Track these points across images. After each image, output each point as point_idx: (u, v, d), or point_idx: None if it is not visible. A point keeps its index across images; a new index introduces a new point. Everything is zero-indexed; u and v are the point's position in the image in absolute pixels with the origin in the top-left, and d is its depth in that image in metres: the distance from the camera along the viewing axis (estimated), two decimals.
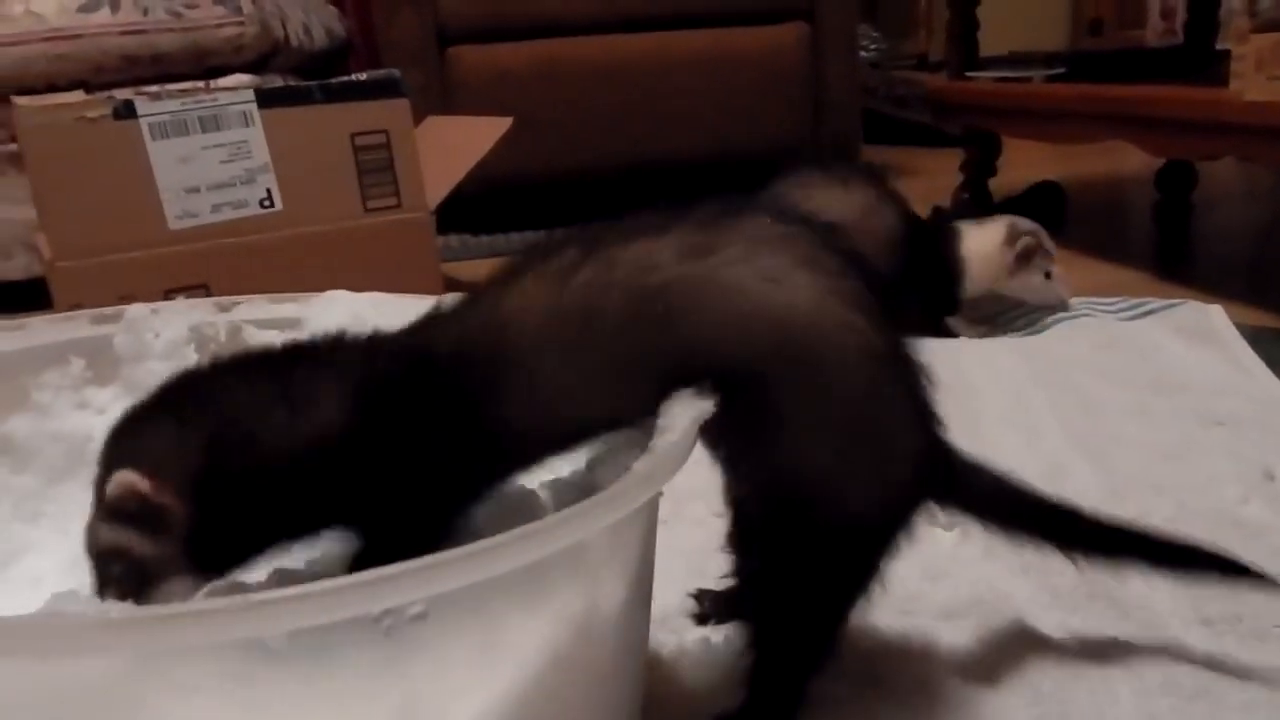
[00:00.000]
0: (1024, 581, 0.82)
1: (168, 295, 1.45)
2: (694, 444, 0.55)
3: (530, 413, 0.59)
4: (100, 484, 0.54)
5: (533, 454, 0.62)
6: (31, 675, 0.40)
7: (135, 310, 0.77)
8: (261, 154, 1.48)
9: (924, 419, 0.62)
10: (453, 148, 1.74)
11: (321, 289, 1.53)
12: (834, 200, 1.46)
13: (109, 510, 0.52)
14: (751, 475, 0.62)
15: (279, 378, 0.58)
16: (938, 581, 0.83)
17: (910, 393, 0.61)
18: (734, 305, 0.57)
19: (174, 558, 0.53)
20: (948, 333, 1.58)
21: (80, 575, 0.64)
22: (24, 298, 1.85)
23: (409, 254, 1.65)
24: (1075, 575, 0.79)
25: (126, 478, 0.52)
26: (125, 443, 0.55)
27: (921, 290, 1.55)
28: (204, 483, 0.53)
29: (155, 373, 0.76)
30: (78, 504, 0.70)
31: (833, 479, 0.59)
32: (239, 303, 0.82)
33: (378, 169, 1.59)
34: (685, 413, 0.56)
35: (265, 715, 0.43)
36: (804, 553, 0.61)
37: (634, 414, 0.59)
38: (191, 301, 0.80)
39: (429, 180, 1.64)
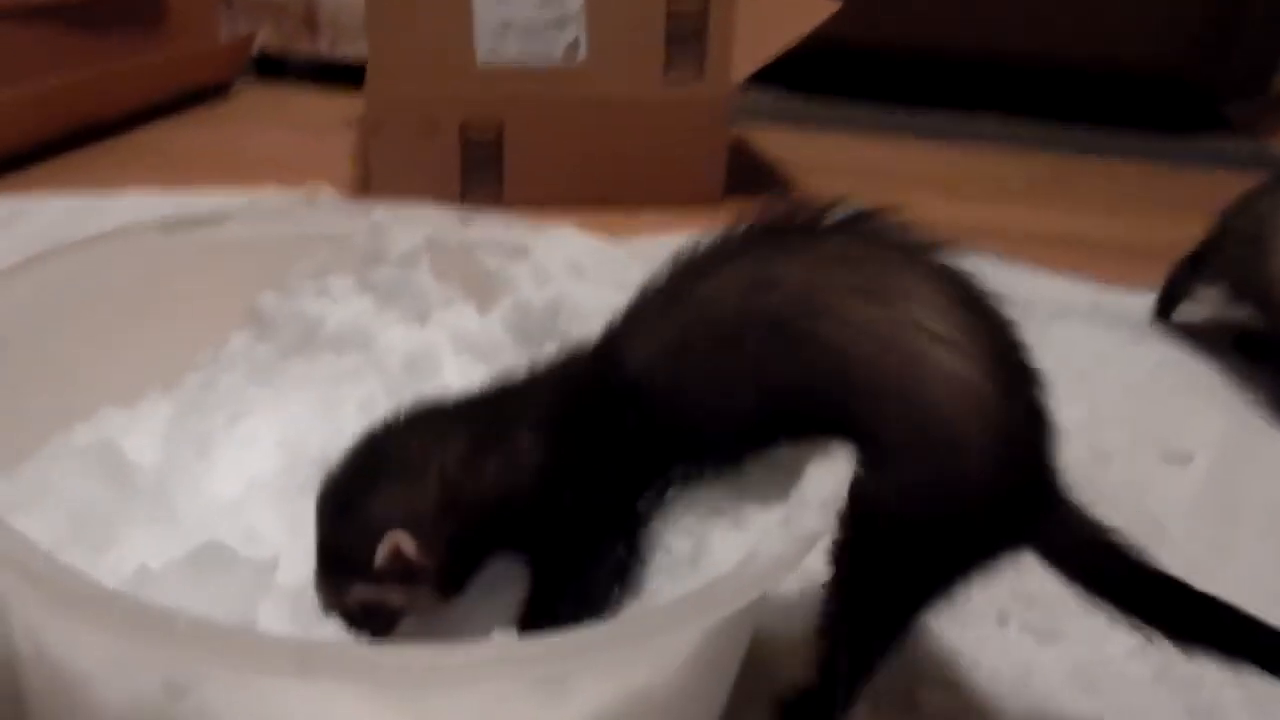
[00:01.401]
0: None
1: (464, 130, 1.55)
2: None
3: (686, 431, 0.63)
4: (332, 548, 0.59)
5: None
6: None
7: (380, 215, 0.84)
8: (576, 1, 1.51)
9: (1024, 465, 0.62)
10: (770, 21, 1.68)
11: (603, 157, 1.58)
12: None
13: (380, 574, 0.57)
14: None
15: (487, 425, 0.62)
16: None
17: (1015, 437, 0.61)
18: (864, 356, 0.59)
19: (421, 598, 0.60)
20: None
21: (284, 453, 0.75)
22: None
23: (699, 133, 1.65)
24: None
25: (395, 541, 0.56)
26: (357, 510, 0.59)
27: None
28: (444, 534, 0.59)
29: (387, 277, 0.84)
30: (300, 378, 0.81)
31: (907, 506, 0.60)
32: (474, 221, 0.87)
33: (687, 38, 1.58)
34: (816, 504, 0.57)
35: None
36: (867, 565, 0.63)
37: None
38: (432, 211, 0.86)
39: (735, 55, 1.61)
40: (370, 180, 1.59)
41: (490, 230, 0.87)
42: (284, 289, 0.82)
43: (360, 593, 0.57)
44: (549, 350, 0.82)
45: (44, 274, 0.70)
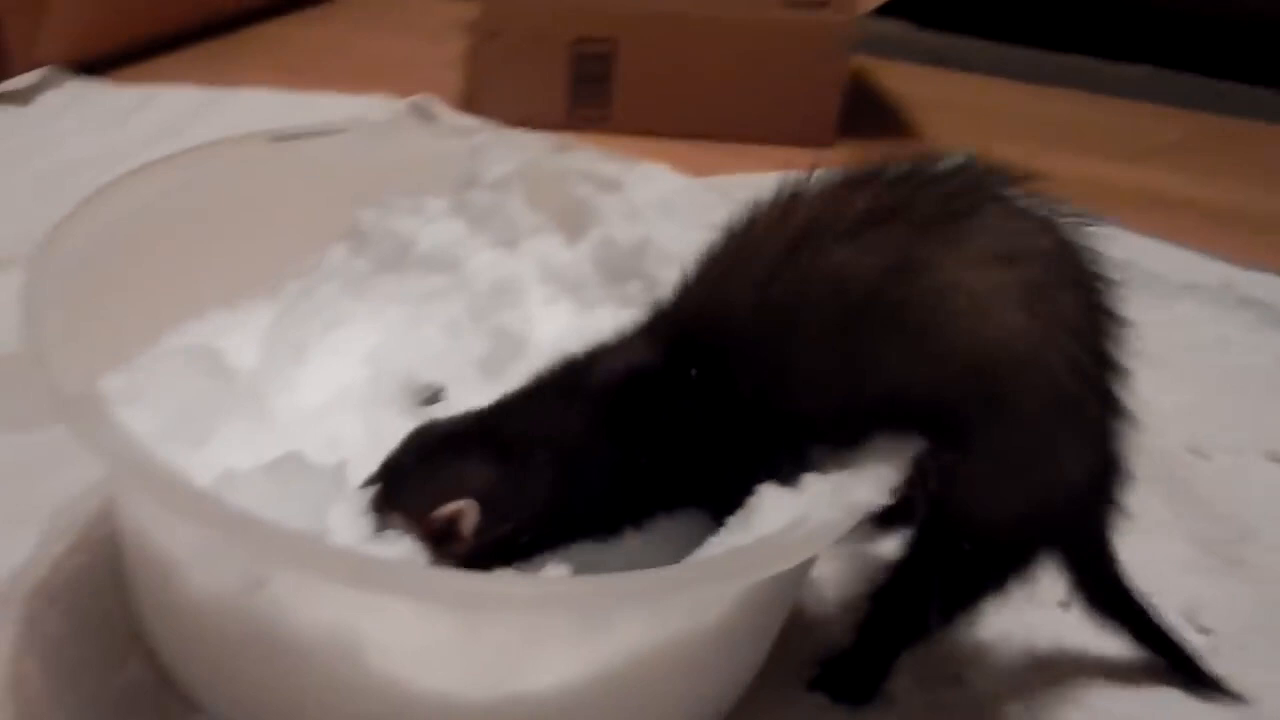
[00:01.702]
0: None
1: (576, 47, 1.55)
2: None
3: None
4: (406, 476, 0.61)
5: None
6: None
7: (481, 138, 0.86)
8: None
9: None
10: None
11: (714, 86, 1.56)
12: None
13: (428, 522, 0.58)
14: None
15: (552, 404, 0.64)
16: None
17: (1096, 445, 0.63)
18: (946, 336, 0.58)
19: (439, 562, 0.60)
20: None
21: (370, 366, 0.79)
22: None
23: (817, 64, 1.61)
24: None
25: (458, 509, 0.58)
26: (449, 464, 0.61)
27: None
28: (500, 528, 0.60)
29: (481, 201, 0.86)
30: (391, 294, 0.84)
31: (986, 503, 0.62)
32: (572, 150, 0.88)
33: None
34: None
35: None
36: (933, 553, 0.65)
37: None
38: (531, 137, 0.88)
39: None
40: (478, 91, 1.61)
41: (586, 161, 0.88)
42: (382, 206, 0.85)
43: (394, 522, 0.59)
44: (633, 289, 0.84)
45: (162, 179, 0.74)
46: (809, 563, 0.63)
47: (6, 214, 1.17)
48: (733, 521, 0.59)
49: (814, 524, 0.55)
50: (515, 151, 0.87)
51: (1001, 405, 0.59)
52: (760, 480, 0.59)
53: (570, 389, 0.65)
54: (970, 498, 0.62)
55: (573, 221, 0.87)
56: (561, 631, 0.54)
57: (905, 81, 2.01)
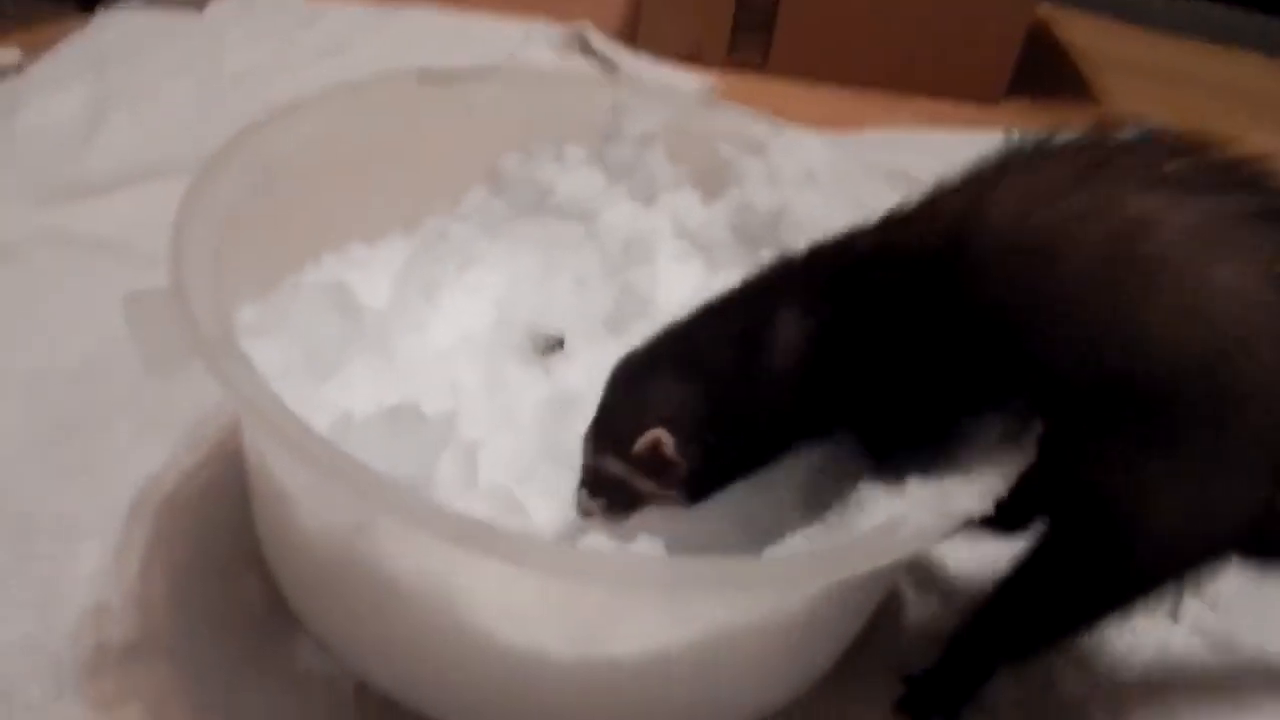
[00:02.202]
0: None
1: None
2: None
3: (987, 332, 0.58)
4: (607, 417, 0.62)
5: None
6: None
7: (621, 95, 0.85)
8: None
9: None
10: None
11: (879, 33, 1.50)
12: None
13: (634, 458, 0.60)
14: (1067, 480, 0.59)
15: (751, 319, 0.62)
16: None
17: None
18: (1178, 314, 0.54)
19: (664, 495, 0.62)
20: None
21: (497, 312, 0.80)
22: None
23: (994, 14, 1.53)
24: None
25: (654, 436, 0.59)
26: (638, 394, 0.62)
27: None
28: (704, 435, 0.60)
29: (621, 154, 0.86)
30: (525, 239, 0.85)
31: (1157, 516, 0.57)
32: (718, 108, 0.87)
33: None
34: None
35: None
36: (1074, 564, 0.60)
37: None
38: (679, 93, 0.86)
39: None
40: (640, 25, 1.59)
41: (733, 121, 0.87)
42: (524, 152, 0.85)
43: (612, 466, 0.60)
44: (765, 256, 0.83)
45: (310, 116, 0.76)
46: (899, 564, 0.61)
47: (168, 120, 1.23)
48: (831, 517, 0.58)
49: (910, 528, 0.53)
50: (661, 107, 0.86)
51: (1224, 403, 0.54)
52: (953, 422, 0.59)
53: (781, 290, 0.63)
54: (1131, 503, 0.57)
55: (712, 180, 0.86)
56: (647, 605, 0.55)
57: (1087, 35, 1.90)
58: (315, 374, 0.67)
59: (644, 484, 0.61)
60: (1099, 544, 0.59)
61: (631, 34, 1.59)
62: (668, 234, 0.85)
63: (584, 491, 0.63)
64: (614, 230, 0.84)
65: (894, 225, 0.63)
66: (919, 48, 1.54)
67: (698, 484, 0.61)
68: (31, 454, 0.77)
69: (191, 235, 0.62)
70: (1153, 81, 1.76)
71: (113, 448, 0.77)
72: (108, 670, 0.63)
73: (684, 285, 0.83)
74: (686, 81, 1.49)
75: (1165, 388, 0.54)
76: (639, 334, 0.74)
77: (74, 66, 1.32)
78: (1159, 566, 0.61)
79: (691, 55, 1.55)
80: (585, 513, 0.63)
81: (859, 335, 0.60)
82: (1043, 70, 1.70)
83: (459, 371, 0.75)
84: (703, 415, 0.60)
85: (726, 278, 0.82)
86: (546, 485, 0.68)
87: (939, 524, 0.54)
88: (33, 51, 1.33)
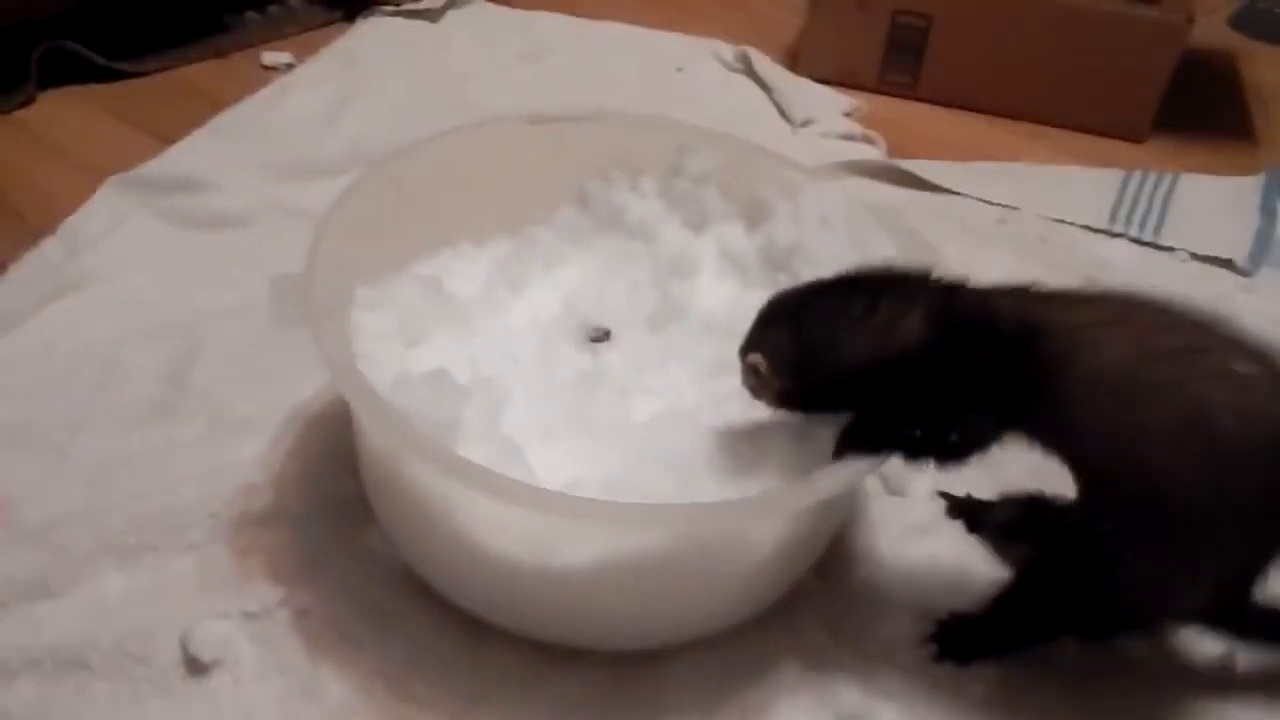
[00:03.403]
0: None
1: (895, 13, 1.64)
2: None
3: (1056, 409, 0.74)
4: (747, 335, 0.84)
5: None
6: None
7: (686, 138, 1.05)
8: None
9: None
10: None
11: (1025, 67, 1.58)
12: None
13: (748, 374, 0.82)
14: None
15: (873, 298, 0.79)
16: None
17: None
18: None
19: (776, 403, 0.83)
20: None
21: (562, 307, 1.03)
22: None
23: (1141, 59, 1.57)
24: None
25: (756, 359, 0.82)
26: (761, 332, 0.83)
27: None
28: (795, 371, 0.80)
29: (682, 188, 1.06)
30: (597, 250, 1.07)
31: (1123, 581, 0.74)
32: (765, 155, 1.05)
33: None
34: None
35: None
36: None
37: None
38: (729, 143, 1.05)
39: None
40: (804, 46, 1.75)
41: (774, 166, 1.05)
42: (606, 180, 1.07)
43: (743, 367, 0.83)
44: (782, 279, 1.01)
45: (438, 145, 1.01)
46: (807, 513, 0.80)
47: (393, 115, 1.52)
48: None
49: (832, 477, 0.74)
50: (718, 152, 1.05)
51: (1216, 507, 0.69)
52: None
53: (906, 295, 0.78)
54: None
55: (754, 214, 1.05)
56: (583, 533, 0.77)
57: (1256, 64, 1.87)
58: (406, 341, 0.93)
59: (753, 388, 0.83)
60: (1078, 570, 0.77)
61: (795, 58, 1.76)
62: (712, 255, 1.05)
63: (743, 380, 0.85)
64: (667, 248, 1.05)
65: (1026, 297, 0.78)
66: (1063, 81, 1.62)
67: (784, 402, 0.82)
68: (236, 364, 1.07)
69: (329, 230, 0.88)
70: None
71: (288, 372, 1.05)
72: (246, 530, 0.91)
73: (716, 297, 1.03)
74: (835, 102, 1.66)
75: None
76: (673, 332, 0.97)
77: (330, 67, 1.64)
78: (1130, 608, 0.77)
79: (845, 79, 1.70)
80: (748, 388, 0.85)
81: (942, 360, 0.76)
82: (1203, 106, 1.72)
83: (521, 348, 0.98)
84: (797, 358, 0.80)
85: (757, 295, 1.03)
86: (562, 443, 0.90)
87: (848, 473, 0.74)
88: (302, 55, 1.67)
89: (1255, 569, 0.75)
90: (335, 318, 0.84)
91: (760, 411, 0.86)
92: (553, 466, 0.84)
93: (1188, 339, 0.73)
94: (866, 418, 0.79)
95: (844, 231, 0.98)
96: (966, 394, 0.75)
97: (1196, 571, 0.73)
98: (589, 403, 0.93)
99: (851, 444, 0.77)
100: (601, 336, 1.02)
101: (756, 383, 0.82)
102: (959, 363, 0.75)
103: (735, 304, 1.02)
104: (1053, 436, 0.76)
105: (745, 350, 0.83)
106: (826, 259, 0.96)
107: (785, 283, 1.00)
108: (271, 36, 1.70)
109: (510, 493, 0.71)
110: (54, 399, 1.02)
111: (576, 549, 0.77)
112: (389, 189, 0.96)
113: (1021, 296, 0.78)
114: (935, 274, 0.80)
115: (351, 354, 0.82)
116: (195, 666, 0.82)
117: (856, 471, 0.75)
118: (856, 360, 0.78)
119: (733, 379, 0.88)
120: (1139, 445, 0.70)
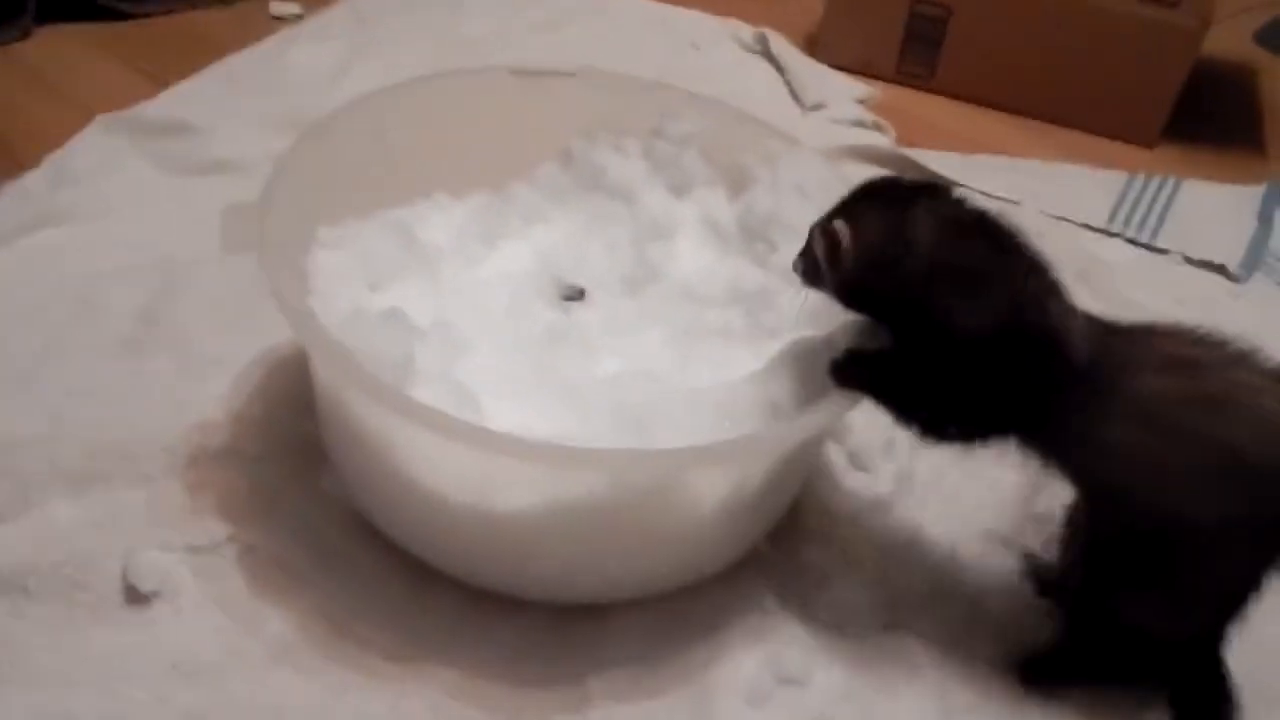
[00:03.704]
0: None
1: (914, 5, 1.62)
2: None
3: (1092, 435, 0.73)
4: (834, 208, 0.80)
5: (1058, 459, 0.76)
6: None
7: (670, 101, 1.03)
8: None
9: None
10: None
11: (1041, 66, 1.55)
12: None
13: (827, 232, 0.78)
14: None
15: (967, 234, 0.76)
16: None
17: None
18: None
19: (832, 282, 0.79)
20: None
21: (536, 261, 1.02)
22: None
23: (1156, 63, 1.55)
24: None
25: (841, 227, 0.77)
26: (850, 206, 0.79)
27: None
28: (867, 254, 0.76)
29: (664, 150, 1.04)
30: (576, 208, 1.06)
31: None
32: (748, 121, 1.03)
33: None
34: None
35: None
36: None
37: None
38: (715, 108, 1.03)
39: None
40: (822, 33, 1.73)
41: (756, 133, 1.03)
42: (589, 138, 1.06)
43: (816, 239, 0.79)
44: (759, 249, 1.00)
45: (425, 89, 1.00)
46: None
47: (400, 74, 1.46)
48: None
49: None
50: (701, 116, 1.03)
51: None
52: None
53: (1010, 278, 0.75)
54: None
55: (737, 182, 1.03)
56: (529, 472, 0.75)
57: (1277, 80, 1.84)
58: (367, 284, 0.92)
59: (822, 258, 0.78)
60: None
61: (813, 44, 1.74)
62: (693, 221, 1.03)
63: (799, 256, 0.82)
64: (648, 211, 1.03)
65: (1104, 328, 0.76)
66: (1077, 80, 1.59)
67: (847, 286, 0.78)
68: (213, 307, 1.05)
69: (295, 163, 0.87)
70: None
71: (265, 318, 1.03)
72: (201, 465, 0.90)
73: (694, 263, 1.02)
74: (849, 89, 1.63)
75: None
76: (649, 295, 0.95)
77: (339, 21, 1.63)
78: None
79: (863, 68, 1.68)
80: (794, 268, 0.83)
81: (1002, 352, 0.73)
82: (1216, 117, 1.69)
83: (489, 299, 0.96)
84: (874, 243, 0.76)
85: (731, 262, 1.01)
86: (521, 395, 0.89)
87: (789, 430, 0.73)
88: (313, 7, 1.67)
89: (1249, 594, 0.74)
90: (291, 252, 0.83)
91: (736, 365, 0.84)
92: (506, 415, 0.83)
93: (1230, 383, 0.71)
94: (890, 358, 0.77)
95: (821, 201, 0.95)
96: (997, 386, 0.73)
97: (1201, 591, 0.75)
98: (554, 358, 0.92)
99: (853, 371, 0.76)
100: (575, 295, 1.00)
101: (828, 252, 0.77)
102: (1013, 362, 0.73)
103: (712, 271, 1.01)
104: (1073, 452, 0.74)
105: (830, 218, 0.78)
106: (802, 229, 0.93)
107: (763, 252, 0.99)
108: None
109: (445, 427, 0.69)
110: (24, 328, 1.02)
111: (516, 492, 0.75)
112: (370, 126, 0.95)
113: (1100, 327, 0.75)
114: (1046, 271, 0.76)
115: (306, 289, 0.81)
116: (134, 596, 0.81)
117: (800, 428, 0.74)
118: (943, 305, 0.74)
119: (703, 344, 0.87)
120: (1169, 478, 0.71)
